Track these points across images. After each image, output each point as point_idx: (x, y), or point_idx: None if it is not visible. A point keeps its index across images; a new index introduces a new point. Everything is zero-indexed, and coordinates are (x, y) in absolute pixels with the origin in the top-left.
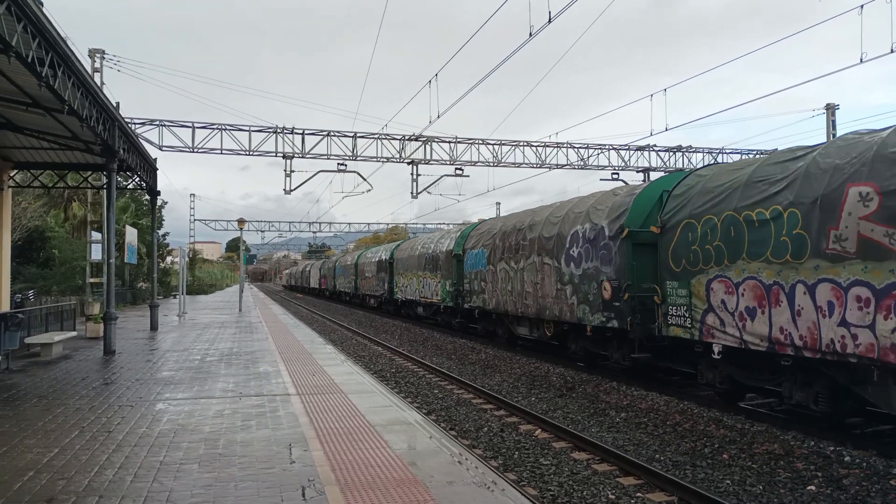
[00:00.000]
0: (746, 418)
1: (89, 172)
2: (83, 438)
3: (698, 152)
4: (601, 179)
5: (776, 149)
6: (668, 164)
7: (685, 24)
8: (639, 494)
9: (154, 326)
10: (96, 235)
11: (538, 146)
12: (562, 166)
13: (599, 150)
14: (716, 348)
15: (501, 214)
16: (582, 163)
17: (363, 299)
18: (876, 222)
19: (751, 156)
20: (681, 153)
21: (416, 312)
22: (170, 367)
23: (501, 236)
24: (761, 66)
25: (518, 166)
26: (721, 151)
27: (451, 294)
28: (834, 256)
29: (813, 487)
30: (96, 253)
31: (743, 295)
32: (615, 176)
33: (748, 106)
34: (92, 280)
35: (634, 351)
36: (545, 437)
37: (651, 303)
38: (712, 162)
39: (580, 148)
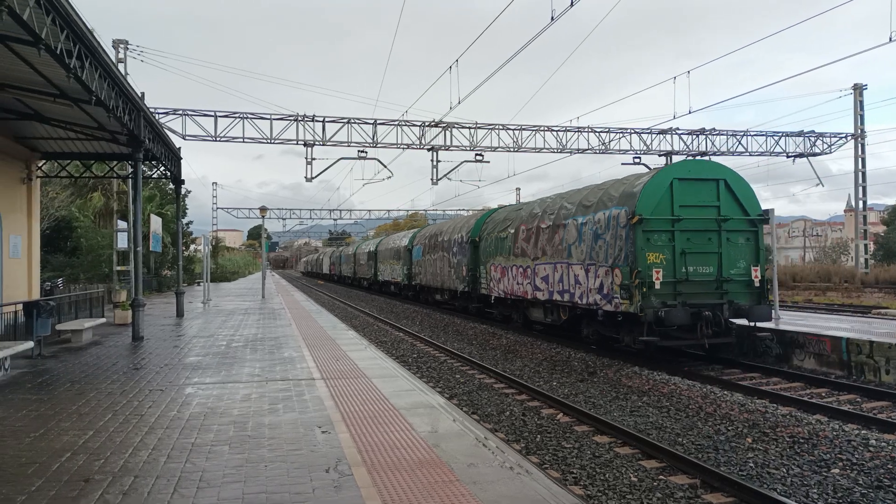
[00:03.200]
0: (770, 402)
1: (115, 162)
2: (116, 421)
3: (721, 135)
4: (623, 164)
5: (801, 130)
6: (690, 147)
7: (708, 5)
8: (661, 477)
9: (180, 313)
10: (122, 224)
11: (559, 131)
12: (582, 151)
13: (621, 134)
14: (493, 297)
15: (522, 200)
16: (603, 147)
17: (359, 281)
18: (524, 241)
19: (775, 138)
20: (704, 136)
21: (390, 290)
22: (197, 353)
23: (429, 238)
24: (787, 47)
25: (538, 151)
26: (745, 134)
27: (406, 275)
28: (517, 255)
29: (837, 470)
30: (122, 241)
31: (497, 272)
32: (637, 160)
33: (774, 87)
34: (119, 268)
35: (475, 303)
36: (567, 420)
37: (477, 277)
38: (736, 145)
39: (601, 132)
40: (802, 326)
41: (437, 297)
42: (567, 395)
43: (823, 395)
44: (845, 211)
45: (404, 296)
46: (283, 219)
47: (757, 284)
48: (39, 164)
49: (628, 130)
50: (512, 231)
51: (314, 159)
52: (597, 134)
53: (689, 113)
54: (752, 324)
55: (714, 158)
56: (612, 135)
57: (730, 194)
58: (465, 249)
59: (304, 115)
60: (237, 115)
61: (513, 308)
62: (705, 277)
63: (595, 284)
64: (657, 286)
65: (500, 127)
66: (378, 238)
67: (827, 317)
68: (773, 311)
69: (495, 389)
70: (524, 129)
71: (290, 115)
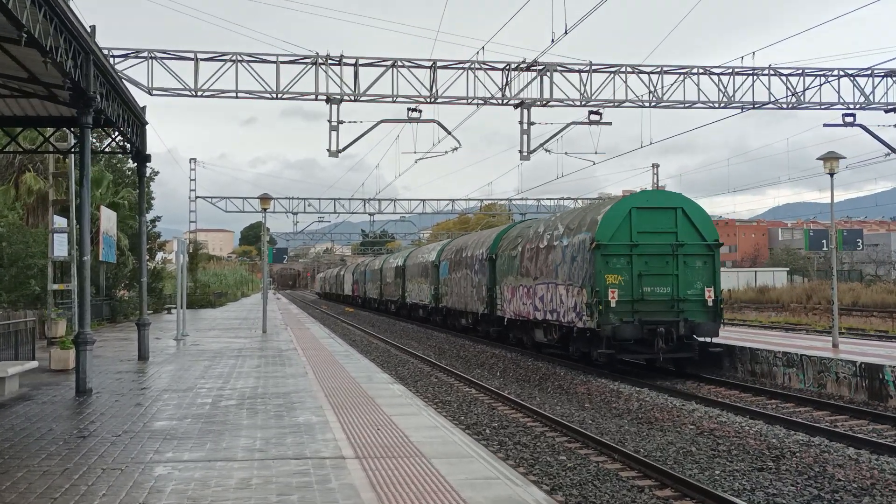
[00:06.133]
0: None
1: (52, 130)
2: None
3: None
4: (825, 125)
5: None
6: None
7: None
8: None
9: (143, 355)
10: (60, 221)
11: (721, 74)
12: (761, 105)
13: (824, 78)
14: (506, 319)
15: (660, 182)
16: (794, 99)
17: (386, 304)
18: (528, 261)
19: None
20: None
21: (419, 314)
22: (170, 415)
23: (454, 253)
24: None
25: (689, 106)
26: None
27: (433, 297)
28: (522, 274)
29: None
30: (61, 247)
31: (509, 292)
32: (849, 119)
33: None
34: (55, 286)
35: (494, 326)
36: None
37: (494, 297)
38: None
39: (790, 75)
40: None
41: (462, 321)
42: (738, 491)
43: None
44: None
45: (433, 321)
46: (294, 213)
47: (710, 304)
48: None
49: (834, 72)
50: (519, 250)
51: (341, 123)
52: (783, 78)
53: None
54: (702, 339)
55: None
56: (808, 79)
57: (687, 221)
58: (484, 267)
59: (328, 56)
60: (227, 58)
61: (522, 330)
62: (661, 297)
63: (572, 304)
64: (613, 304)
65: (629, 69)
66: (405, 251)
67: None
68: (719, 327)
69: (623, 479)
70: (666, 73)
71: (306, 57)
